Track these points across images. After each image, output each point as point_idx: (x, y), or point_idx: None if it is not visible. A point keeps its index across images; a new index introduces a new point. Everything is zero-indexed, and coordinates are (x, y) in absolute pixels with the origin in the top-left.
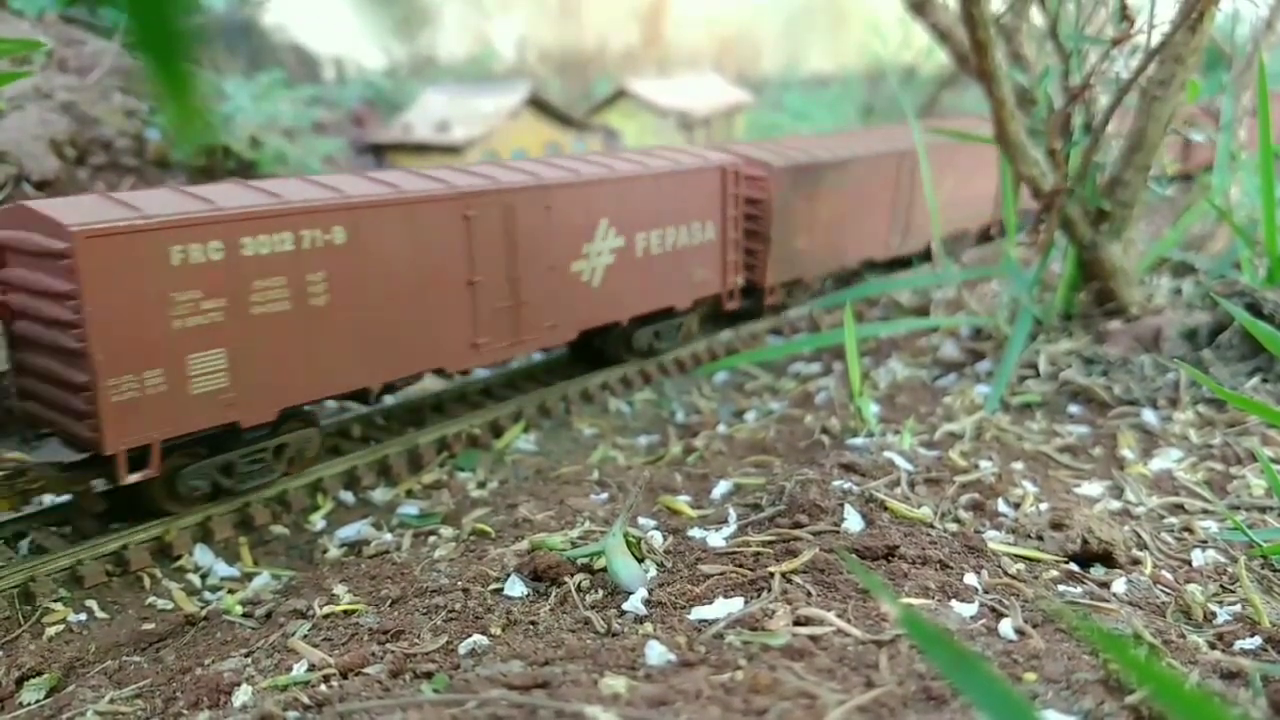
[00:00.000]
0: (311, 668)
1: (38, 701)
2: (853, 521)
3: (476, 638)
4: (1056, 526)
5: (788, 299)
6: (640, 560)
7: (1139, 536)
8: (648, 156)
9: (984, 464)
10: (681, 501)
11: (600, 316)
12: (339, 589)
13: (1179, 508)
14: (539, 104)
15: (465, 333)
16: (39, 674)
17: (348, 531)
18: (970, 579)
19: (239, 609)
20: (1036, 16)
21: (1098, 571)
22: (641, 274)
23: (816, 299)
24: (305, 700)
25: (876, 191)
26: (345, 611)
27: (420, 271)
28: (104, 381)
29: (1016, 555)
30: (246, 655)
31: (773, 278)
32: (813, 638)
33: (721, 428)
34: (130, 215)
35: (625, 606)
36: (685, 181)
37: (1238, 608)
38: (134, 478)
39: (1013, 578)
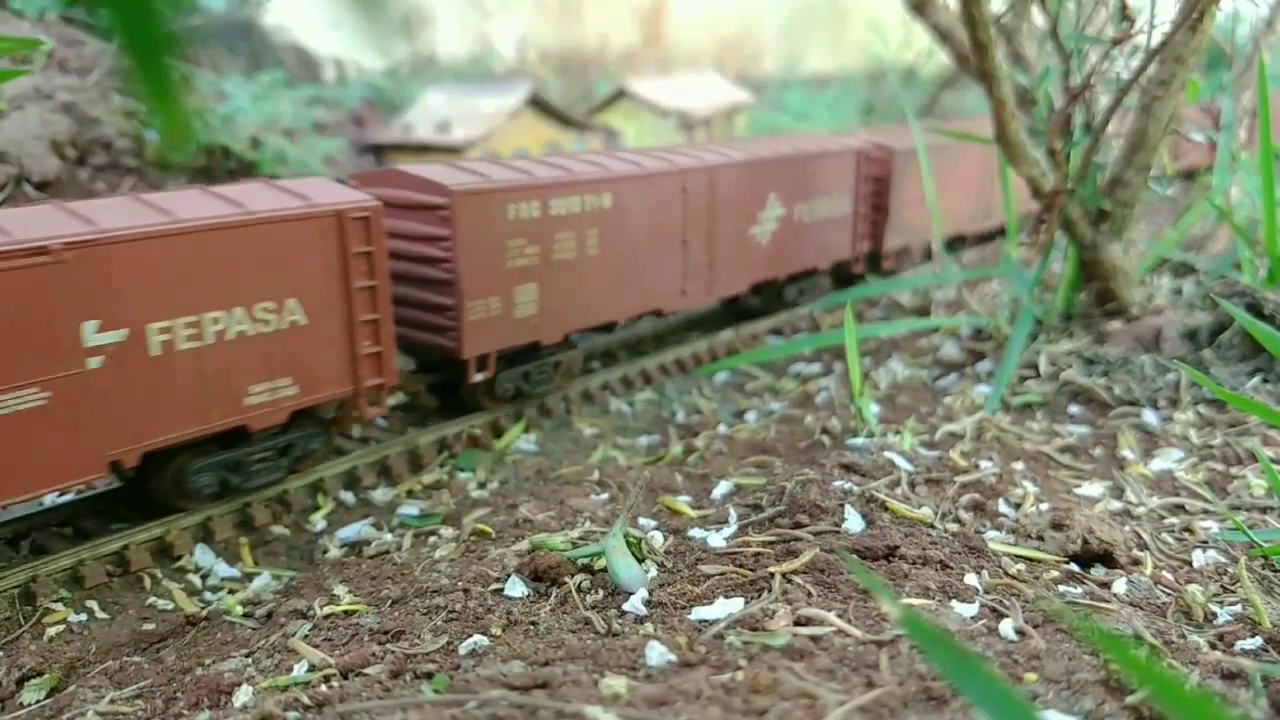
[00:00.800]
0: (312, 668)
1: (38, 702)
2: (853, 522)
3: (477, 638)
4: (1057, 527)
5: (897, 264)
6: (641, 560)
7: (1139, 537)
8: (798, 141)
9: (984, 464)
10: (682, 502)
11: (767, 273)
12: (339, 589)
13: (1179, 508)
14: (539, 104)
15: (677, 282)
16: (39, 674)
17: (348, 532)
18: (971, 579)
19: (239, 609)
20: (1037, 16)
21: (1098, 572)
22: (796, 238)
23: (917, 264)
24: (306, 700)
25: (965, 174)
26: (346, 612)
27: (652, 232)
28: (466, 304)
29: (1017, 555)
30: (247, 655)
31: (889, 244)
32: (813, 638)
33: (722, 428)
34: (482, 181)
35: (626, 607)
36: (829, 162)
37: (1238, 608)
38: (479, 377)
39: (1013, 578)
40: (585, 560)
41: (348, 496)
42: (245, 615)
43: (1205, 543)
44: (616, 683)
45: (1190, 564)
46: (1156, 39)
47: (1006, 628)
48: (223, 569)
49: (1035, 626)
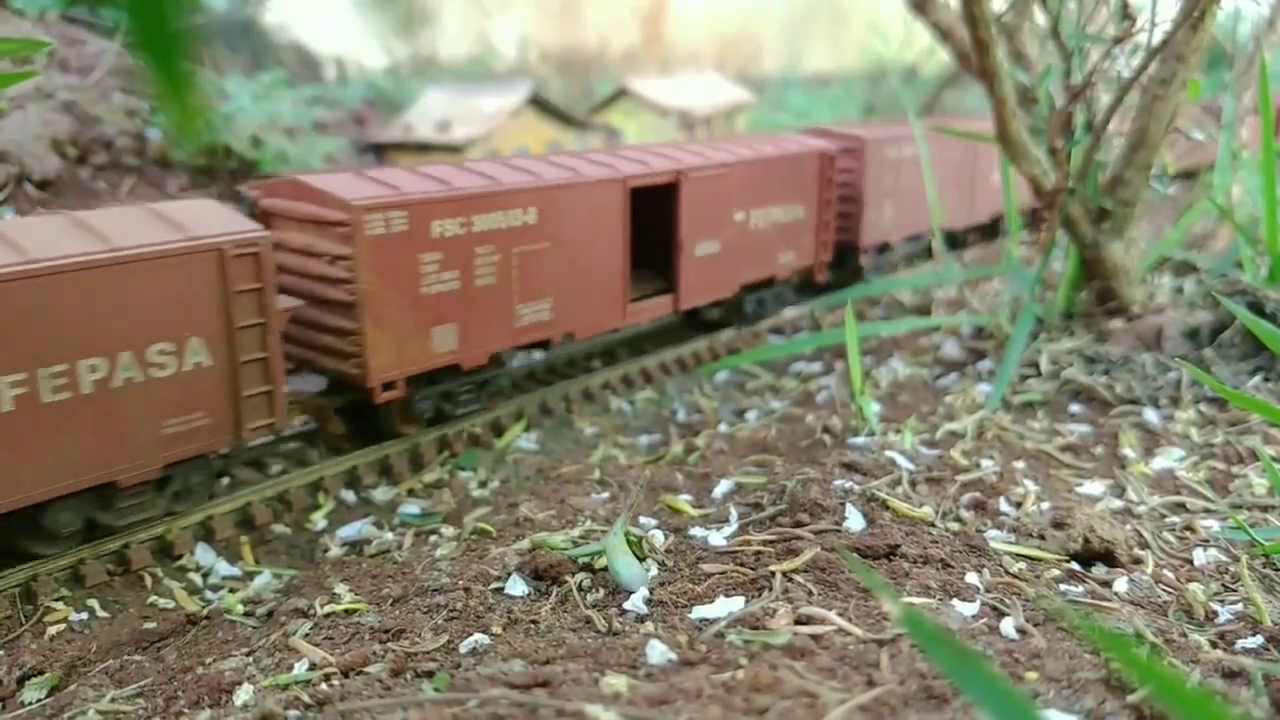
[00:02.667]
0: (313, 667)
1: (39, 700)
2: (854, 520)
3: (478, 636)
4: (1058, 525)
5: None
6: (641, 559)
7: (1140, 535)
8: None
9: (985, 463)
10: (683, 500)
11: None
12: (340, 588)
13: (1181, 506)
14: (540, 103)
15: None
16: (40, 673)
17: (349, 531)
18: (972, 578)
19: (240, 608)
20: (1038, 15)
21: (1099, 570)
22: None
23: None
24: (306, 699)
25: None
26: (346, 610)
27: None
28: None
29: (1018, 554)
30: (248, 654)
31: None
32: (814, 637)
33: (723, 427)
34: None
35: (626, 605)
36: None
37: (1239, 607)
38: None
39: (1014, 577)
40: (586, 559)
41: (348, 495)
42: (246, 614)
43: (1206, 541)
44: (617, 681)
45: (1191, 562)
46: (1158, 37)
47: (1007, 626)
48: (223, 568)
49: (1036, 625)
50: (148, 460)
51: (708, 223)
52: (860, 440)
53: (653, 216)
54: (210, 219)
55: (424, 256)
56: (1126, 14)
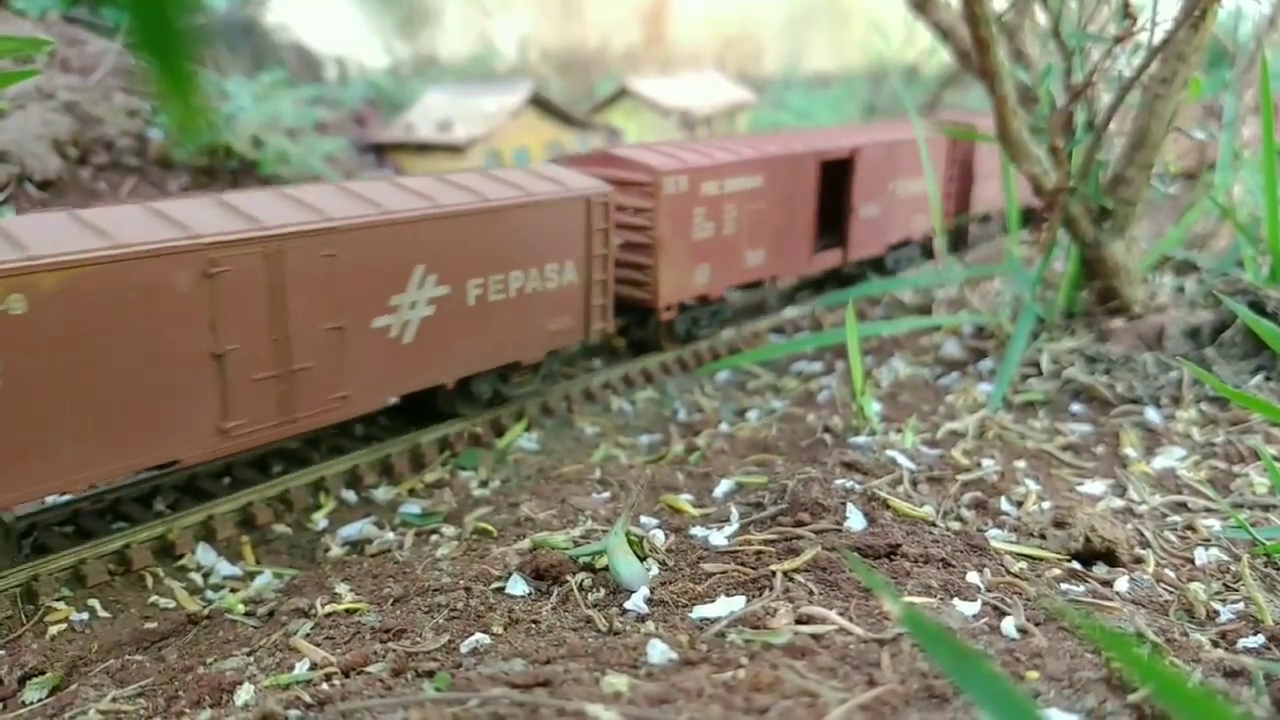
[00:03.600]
0: (313, 666)
1: (40, 700)
2: (855, 520)
3: (478, 636)
4: (1059, 525)
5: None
6: (642, 559)
7: (1142, 535)
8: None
9: (986, 462)
10: (683, 500)
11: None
12: (341, 588)
13: (1182, 506)
14: (541, 103)
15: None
16: (41, 673)
17: (350, 530)
18: (973, 577)
19: (241, 608)
20: (1039, 14)
21: (1100, 570)
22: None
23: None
24: (307, 699)
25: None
26: (347, 610)
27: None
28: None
29: (1019, 554)
30: (249, 654)
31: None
32: (815, 636)
33: (724, 426)
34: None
35: (627, 605)
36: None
37: (1240, 606)
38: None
39: (1015, 576)
40: (587, 559)
41: (349, 495)
42: (247, 614)
43: (1207, 540)
44: (618, 681)
45: (1192, 562)
46: (1158, 37)
47: (1008, 626)
48: (224, 567)
49: (1037, 624)
50: (539, 348)
51: (871, 191)
52: (861, 440)
53: (827, 185)
54: (576, 178)
55: (695, 211)
56: (1127, 13)
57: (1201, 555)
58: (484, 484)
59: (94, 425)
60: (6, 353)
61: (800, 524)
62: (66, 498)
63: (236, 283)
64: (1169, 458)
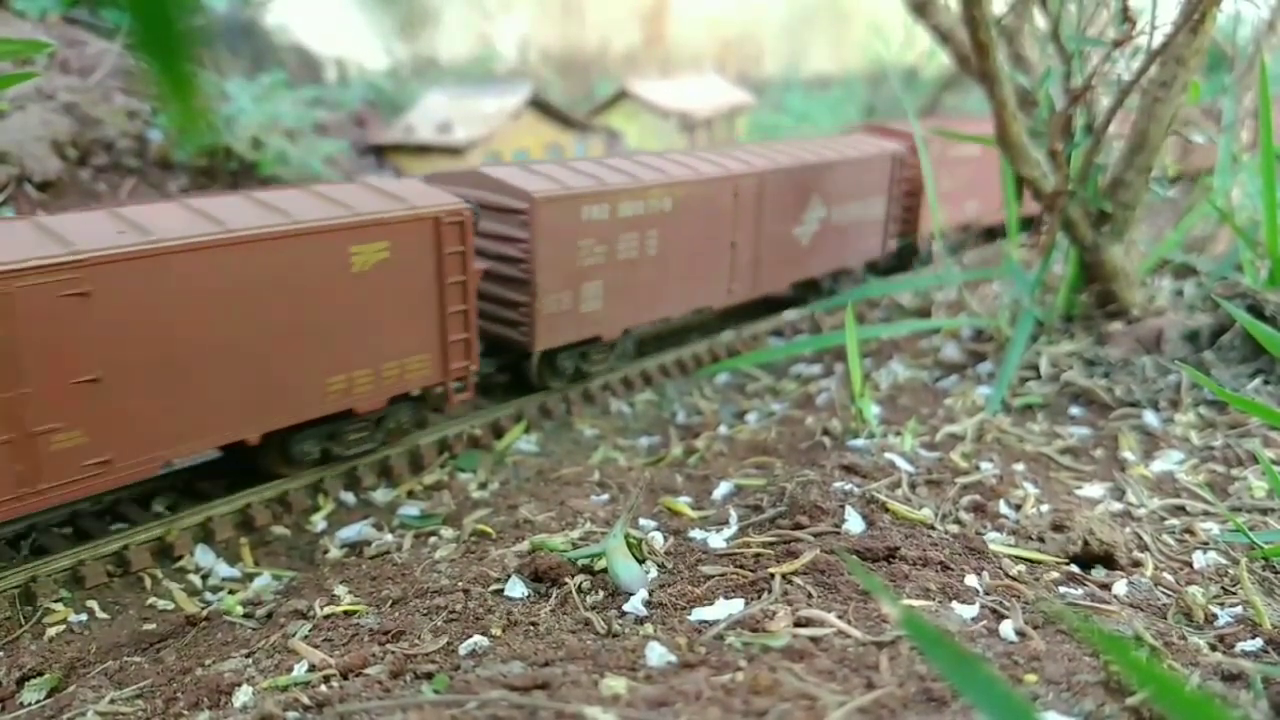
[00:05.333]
0: (312, 668)
1: (38, 702)
2: (854, 523)
3: (477, 638)
4: (1058, 528)
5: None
6: (641, 561)
7: (1140, 538)
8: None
9: (985, 465)
10: (682, 503)
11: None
12: (340, 590)
13: (1180, 509)
14: (541, 105)
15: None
16: (40, 674)
17: (349, 532)
18: (971, 580)
19: (240, 609)
20: (1038, 18)
21: (1099, 573)
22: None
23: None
24: (305, 701)
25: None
26: (346, 612)
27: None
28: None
29: (1017, 557)
30: (247, 656)
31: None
32: (813, 639)
33: (723, 429)
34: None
35: (626, 607)
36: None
37: (1239, 609)
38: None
39: (1014, 579)
40: (585, 561)
41: (348, 497)
42: (245, 615)
43: (1206, 544)
44: (616, 683)
45: (1191, 565)
46: (1158, 40)
47: (1007, 629)
48: (223, 569)
49: (1035, 628)
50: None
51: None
52: (860, 442)
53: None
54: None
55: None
56: (1127, 17)
57: (1200, 559)
58: (483, 486)
59: None
60: None
61: (799, 527)
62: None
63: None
64: (1167, 461)
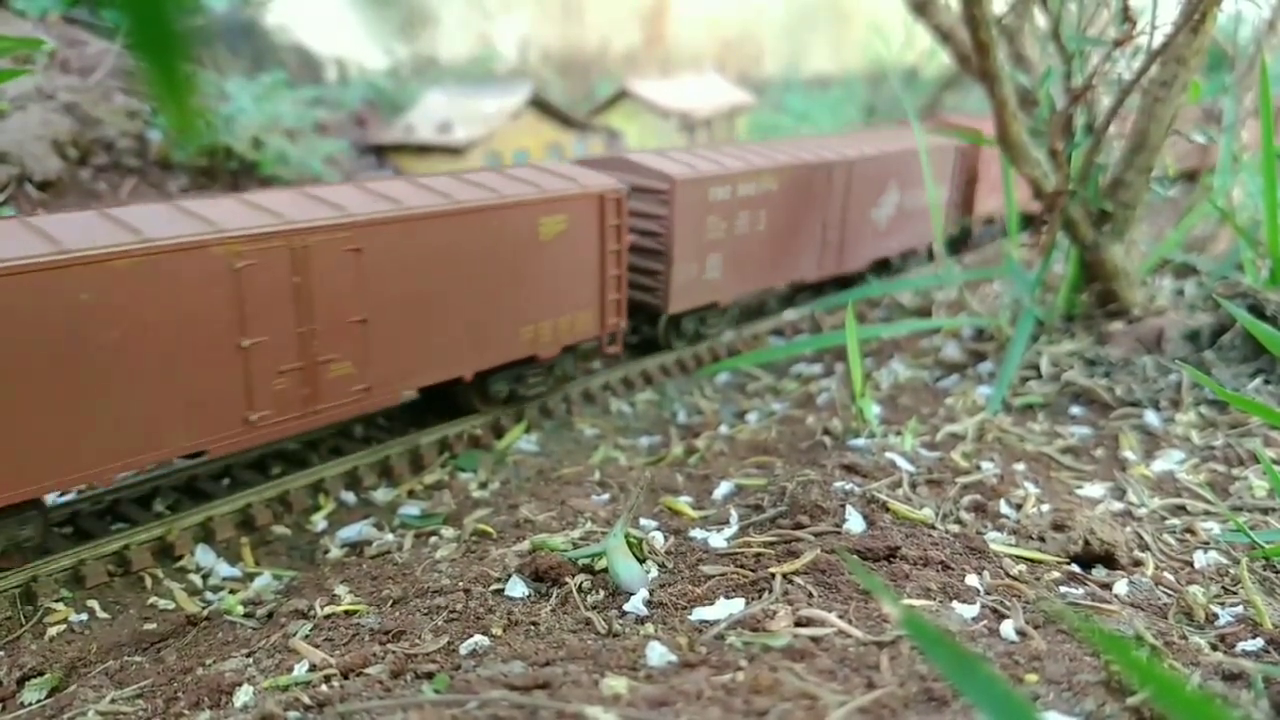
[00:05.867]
0: (313, 668)
1: (39, 701)
2: (854, 522)
3: (478, 638)
4: (1058, 528)
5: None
6: (641, 561)
7: (1141, 538)
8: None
9: (986, 465)
10: (683, 502)
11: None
12: (340, 589)
13: (1181, 509)
14: (541, 105)
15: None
16: (40, 674)
17: (349, 532)
18: (972, 580)
19: (240, 609)
20: (1039, 17)
21: (1099, 573)
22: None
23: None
24: (306, 700)
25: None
26: (346, 612)
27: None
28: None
29: (1018, 556)
30: (248, 655)
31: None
32: (814, 639)
33: (723, 428)
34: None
35: (626, 607)
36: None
37: (1240, 609)
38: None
39: (1014, 579)
40: (586, 561)
41: (349, 497)
42: (246, 615)
43: (1207, 544)
44: (617, 683)
45: (1191, 565)
46: (1158, 40)
47: (1007, 629)
48: (224, 569)
49: (1036, 627)
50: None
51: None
52: (861, 442)
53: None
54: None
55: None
56: (1127, 16)
57: (1200, 558)
58: (483, 486)
59: None
60: None
61: (800, 526)
62: (66, 497)
63: None
64: (1168, 461)
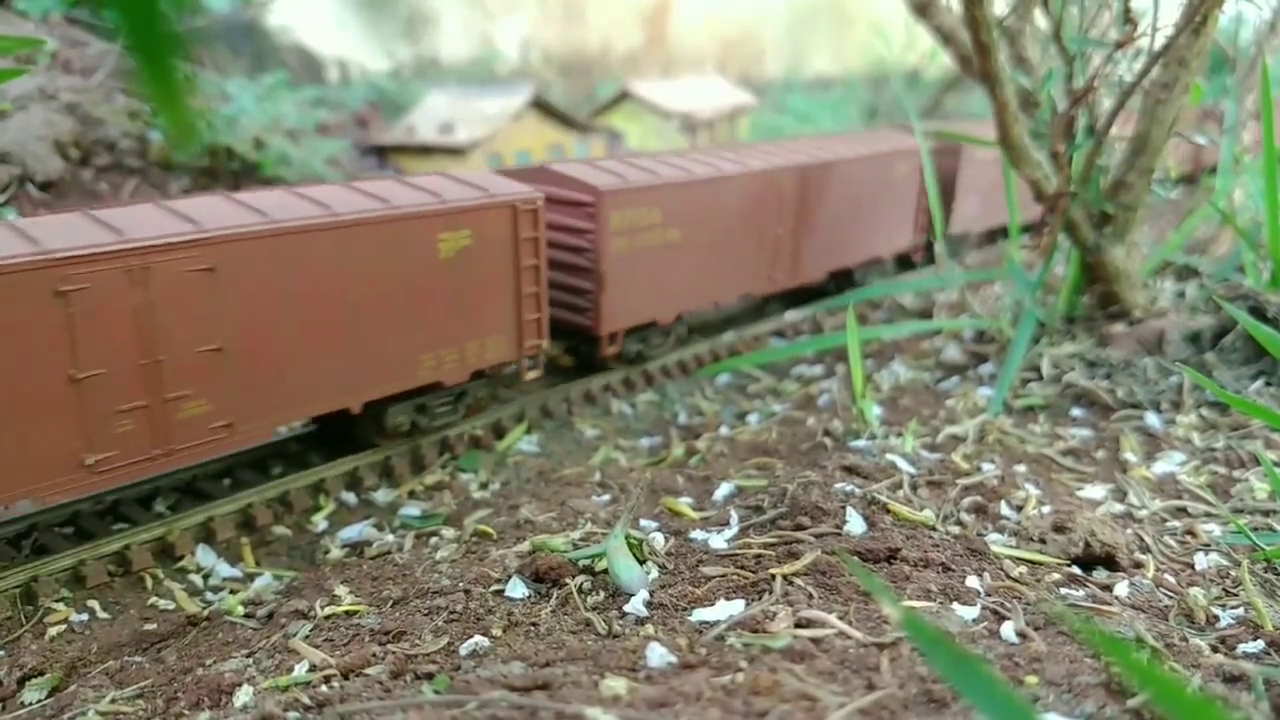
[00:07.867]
0: (313, 668)
1: (39, 701)
2: (855, 524)
3: (478, 639)
4: (1059, 529)
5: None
6: (642, 562)
7: (1141, 540)
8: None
9: (986, 467)
10: (683, 503)
11: None
12: (340, 590)
13: (1182, 511)
14: (542, 106)
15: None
16: (41, 674)
17: (350, 532)
18: (972, 582)
19: (240, 609)
20: (1040, 19)
21: (1100, 574)
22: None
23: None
24: (306, 701)
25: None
26: (347, 612)
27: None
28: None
29: (1019, 558)
30: (248, 656)
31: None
32: (814, 640)
33: (724, 430)
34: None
35: (626, 608)
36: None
37: (1240, 611)
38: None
39: (1015, 580)
40: (586, 561)
41: (349, 497)
42: (246, 615)
43: (1207, 546)
44: (617, 684)
45: (1192, 567)
46: (1159, 42)
47: (1008, 630)
48: (224, 569)
49: (1037, 629)
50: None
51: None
52: (861, 443)
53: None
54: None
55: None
56: (1128, 18)
57: (1201, 560)
58: (484, 486)
59: None
60: None
61: (800, 528)
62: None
63: None
64: (1169, 463)
